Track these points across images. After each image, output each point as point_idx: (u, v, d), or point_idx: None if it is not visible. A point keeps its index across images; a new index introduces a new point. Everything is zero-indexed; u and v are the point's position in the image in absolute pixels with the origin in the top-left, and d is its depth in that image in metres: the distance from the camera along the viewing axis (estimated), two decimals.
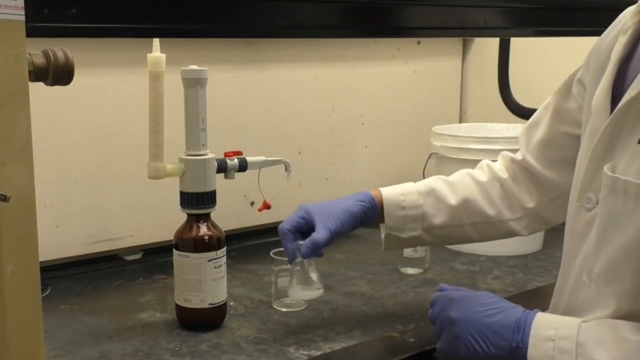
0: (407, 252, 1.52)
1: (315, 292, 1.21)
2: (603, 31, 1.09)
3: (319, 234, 1.16)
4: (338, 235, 1.19)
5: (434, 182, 1.27)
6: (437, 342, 1.04)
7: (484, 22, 1.22)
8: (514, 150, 1.62)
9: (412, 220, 1.23)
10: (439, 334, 1.04)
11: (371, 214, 1.23)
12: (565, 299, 1.01)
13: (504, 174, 1.25)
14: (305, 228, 1.20)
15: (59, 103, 1.41)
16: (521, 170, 1.24)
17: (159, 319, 1.28)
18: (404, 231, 1.24)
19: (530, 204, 1.23)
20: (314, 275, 1.20)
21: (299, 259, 1.18)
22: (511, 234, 1.26)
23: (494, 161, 1.29)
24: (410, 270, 1.53)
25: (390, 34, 1.45)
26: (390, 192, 1.24)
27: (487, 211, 1.24)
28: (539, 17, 1.31)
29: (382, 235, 1.26)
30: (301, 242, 1.17)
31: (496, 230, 1.26)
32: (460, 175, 1.27)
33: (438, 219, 1.23)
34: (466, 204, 1.23)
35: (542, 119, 1.21)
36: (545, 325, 0.94)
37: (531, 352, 0.93)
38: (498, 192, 1.25)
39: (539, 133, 1.21)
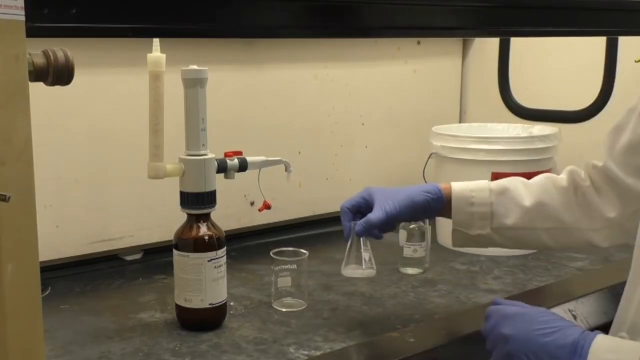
0: (407, 252, 1.52)
1: (366, 272, 1.22)
2: (604, 32, 1.09)
3: (375, 214, 1.18)
4: (394, 219, 1.20)
5: (510, 182, 1.24)
6: (490, 358, 1.00)
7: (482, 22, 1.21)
8: (515, 150, 1.63)
9: (480, 218, 1.21)
10: (491, 350, 1.00)
11: (435, 206, 1.22)
12: (630, 315, 0.97)
13: (586, 182, 1.20)
14: (364, 208, 1.22)
15: (59, 103, 1.41)
16: (603, 177, 1.18)
17: (159, 319, 1.28)
18: (472, 228, 1.22)
19: (612, 214, 1.17)
20: (366, 255, 1.21)
21: (354, 239, 1.21)
22: (589, 244, 1.21)
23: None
24: (410, 270, 1.53)
25: (391, 34, 1.44)
26: (460, 187, 1.23)
27: (564, 218, 1.19)
28: (538, 16, 1.31)
29: (451, 231, 1.25)
30: (357, 222, 1.20)
31: (573, 238, 1.21)
32: (540, 178, 1.24)
33: (509, 220, 1.20)
34: (541, 208, 1.20)
35: (627, 123, 1.14)
36: (605, 349, 0.89)
37: None
38: (578, 200, 1.20)
39: (624, 137, 1.14)
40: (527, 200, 1.20)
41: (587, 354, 0.89)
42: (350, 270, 1.23)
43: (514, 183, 1.23)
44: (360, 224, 1.19)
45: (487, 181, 1.25)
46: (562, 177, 1.23)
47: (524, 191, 1.21)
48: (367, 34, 1.41)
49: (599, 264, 1.59)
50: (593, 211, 1.19)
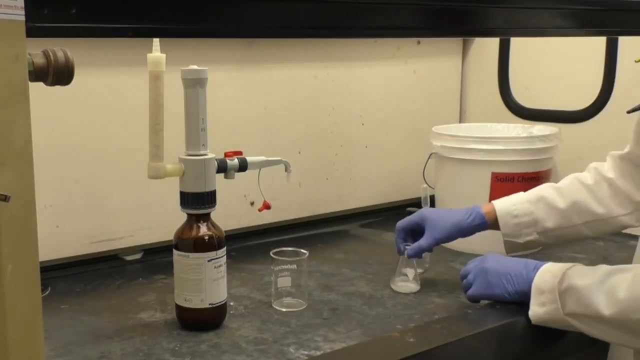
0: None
1: (409, 286, 1.41)
2: (604, 32, 1.10)
3: (425, 241, 1.38)
4: (443, 242, 1.41)
5: (544, 189, 1.40)
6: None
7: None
8: (515, 150, 1.63)
9: (526, 227, 1.38)
10: (473, 280, 1.29)
11: (480, 228, 1.40)
12: None
13: (611, 174, 1.35)
14: (416, 230, 1.42)
15: (59, 103, 1.41)
16: (628, 165, 1.33)
17: (159, 319, 1.28)
18: (520, 237, 1.38)
19: (639, 197, 1.32)
20: (410, 273, 1.41)
21: (404, 259, 1.41)
22: (625, 227, 1.39)
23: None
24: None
25: (391, 34, 1.44)
26: (502, 204, 1.40)
27: (597, 210, 1.34)
28: (541, 16, 1.31)
29: (503, 241, 1.39)
30: (408, 245, 1.40)
31: (609, 226, 1.36)
32: (568, 180, 1.40)
33: (550, 223, 1.37)
34: (575, 206, 1.36)
35: None
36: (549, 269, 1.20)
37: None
38: (606, 192, 1.34)
39: None
40: (562, 203, 1.36)
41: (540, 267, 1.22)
42: (397, 285, 1.41)
43: (547, 190, 1.39)
44: (412, 248, 1.39)
45: (521, 193, 1.40)
46: (586, 175, 1.38)
47: (557, 195, 1.37)
48: (366, 35, 1.42)
49: (598, 263, 1.59)
50: (623, 199, 1.34)
